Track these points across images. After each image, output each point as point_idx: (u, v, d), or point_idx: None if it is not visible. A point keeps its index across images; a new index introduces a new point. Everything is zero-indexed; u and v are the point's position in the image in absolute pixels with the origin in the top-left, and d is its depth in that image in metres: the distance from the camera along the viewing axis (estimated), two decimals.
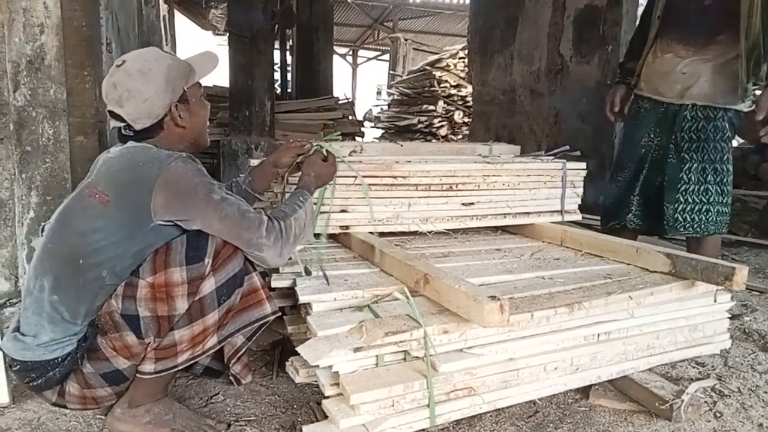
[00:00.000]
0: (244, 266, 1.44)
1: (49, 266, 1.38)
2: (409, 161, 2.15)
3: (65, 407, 1.48)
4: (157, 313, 1.35)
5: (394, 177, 2.07)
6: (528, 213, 2.34)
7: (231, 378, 1.56)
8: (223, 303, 1.40)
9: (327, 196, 1.91)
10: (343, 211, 2.01)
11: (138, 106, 1.40)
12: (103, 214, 1.35)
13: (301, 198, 1.59)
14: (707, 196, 2.41)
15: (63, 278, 1.36)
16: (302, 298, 1.53)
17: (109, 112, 1.45)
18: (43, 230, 1.47)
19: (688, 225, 2.44)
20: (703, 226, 2.43)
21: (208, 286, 1.38)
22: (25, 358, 1.36)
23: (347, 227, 2.03)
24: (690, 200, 2.44)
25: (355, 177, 1.99)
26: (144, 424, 1.46)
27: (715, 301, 1.80)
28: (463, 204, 2.20)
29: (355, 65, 17.21)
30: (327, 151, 1.82)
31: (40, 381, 1.38)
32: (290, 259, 1.76)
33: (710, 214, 2.42)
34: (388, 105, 11.61)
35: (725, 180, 2.42)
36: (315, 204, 1.82)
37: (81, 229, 1.36)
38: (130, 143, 1.45)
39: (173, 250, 1.36)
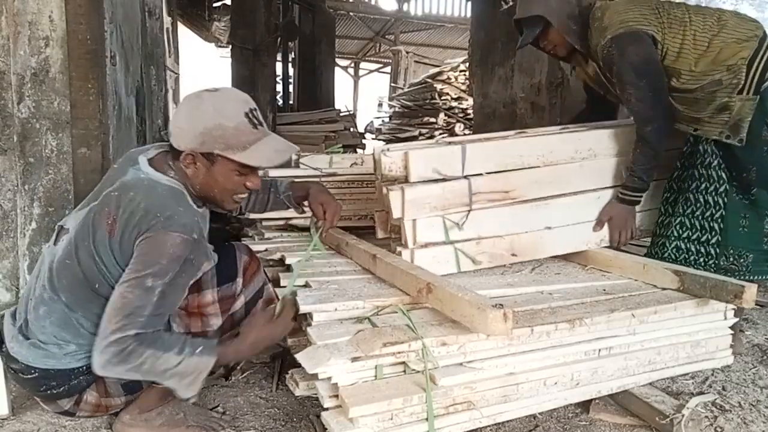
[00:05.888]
0: (264, 278, 1.60)
1: (67, 284, 1.38)
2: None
3: (72, 415, 1.48)
4: (191, 329, 1.43)
5: None
6: None
7: (222, 370, 1.70)
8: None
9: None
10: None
11: (174, 125, 1.42)
12: (109, 245, 1.35)
13: (198, 350, 1.32)
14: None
15: (82, 298, 1.37)
16: (303, 308, 1.54)
17: None
18: (57, 233, 1.45)
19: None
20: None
21: (239, 302, 1.52)
22: (47, 366, 1.36)
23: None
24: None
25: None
26: (158, 426, 1.47)
27: (725, 318, 1.81)
28: None
29: (356, 77, 17.29)
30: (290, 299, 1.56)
31: (62, 389, 1.39)
32: (290, 269, 1.78)
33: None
34: (390, 117, 11.65)
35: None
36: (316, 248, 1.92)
37: (93, 251, 1.35)
38: (152, 173, 1.41)
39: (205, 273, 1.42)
